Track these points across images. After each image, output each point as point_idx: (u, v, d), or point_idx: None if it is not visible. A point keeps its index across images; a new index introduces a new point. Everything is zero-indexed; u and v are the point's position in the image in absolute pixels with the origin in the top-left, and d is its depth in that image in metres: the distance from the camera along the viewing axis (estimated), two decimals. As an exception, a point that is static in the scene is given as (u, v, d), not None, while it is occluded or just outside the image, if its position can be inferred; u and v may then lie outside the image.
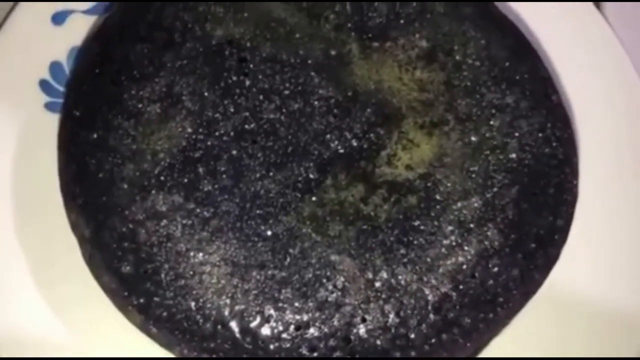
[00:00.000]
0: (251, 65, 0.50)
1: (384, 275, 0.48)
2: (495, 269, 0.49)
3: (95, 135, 0.49)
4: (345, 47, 0.51)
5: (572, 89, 0.54)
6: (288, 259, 0.48)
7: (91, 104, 0.49)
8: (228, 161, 0.49)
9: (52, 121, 0.54)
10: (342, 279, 0.48)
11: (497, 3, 0.53)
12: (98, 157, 0.49)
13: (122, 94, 0.50)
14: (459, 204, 0.49)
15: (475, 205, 0.49)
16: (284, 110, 0.50)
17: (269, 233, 0.48)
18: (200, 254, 0.47)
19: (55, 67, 0.55)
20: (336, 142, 0.50)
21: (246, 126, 0.50)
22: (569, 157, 0.51)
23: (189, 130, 0.49)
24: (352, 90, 0.51)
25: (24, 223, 0.52)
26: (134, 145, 0.49)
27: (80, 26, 0.55)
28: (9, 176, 0.53)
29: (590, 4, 0.55)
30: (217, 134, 0.49)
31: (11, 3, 0.55)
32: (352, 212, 0.49)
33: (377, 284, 0.48)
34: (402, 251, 0.49)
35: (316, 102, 0.50)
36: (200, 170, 0.49)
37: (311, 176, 0.49)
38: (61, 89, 0.54)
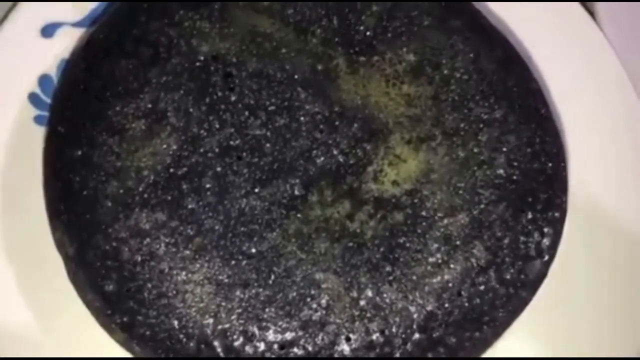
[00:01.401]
0: (237, 81, 0.49)
1: (369, 293, 0.47)
2: (482, 287, 0.47)
3: (79, 152, 0.48)
4: (332, 61, 0.50)
5: (563, 101, 0.52)
6: (272, 277, 0.47)
7: (76, 120, 0.49)
8: (213, 178, 0.48)
9: (41, 135, 0.52)
10: (326, 297, 0.47)
11: (485, 14, 0.51)
12: (82, 174, 0.48)
13: (107, 110, 0.49)
14: (446, 221, 0.48)
15: (462, 222, 0.48)
16: (269, 126, 0.49)
17: (253, 251, 0.48)
18: (184, 273, 0.47)
19: (44, 80, 0.54)
20: (322, 158, 0.49)
21: (231, 142, 0.49)
22: (558, 172, 0.49)
23: (174, 147, 0.48)
24: (338, 106, 0.50)
25: (11, 237, 0.51)
26: (118, 163, 0.48)
27: (69, 39, 0.54)
28: (-3, 189, 0.52)
29: (583, 12, 0.53)
30: (201, 150, 0.48)
31: (1, 14, 0.53)
32: (338, 229, 0.48)
33: (362, 303, 0.47)
34: (388, 269, 0.48)
35: (302, 118, 0.49)
36: (185, 187, 0.48)
37: (296, 193, 0.48)
38: (50, 102, 0.53)
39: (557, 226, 0.49)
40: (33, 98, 0.54)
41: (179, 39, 0.50)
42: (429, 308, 0.48)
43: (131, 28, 0.50)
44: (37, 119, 0.54)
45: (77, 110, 0.50)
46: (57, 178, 0.49)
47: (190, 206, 0.48)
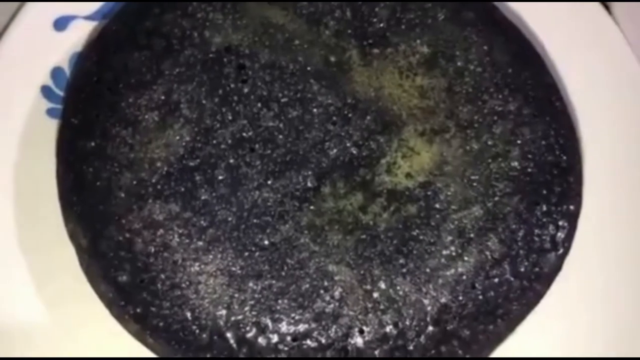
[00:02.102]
0: (250, 72, 0.49)
1: (383, 285, 0.47)
2: (496, 280, 0.47)
3: (92, 144, 0.48)
4: (346, 53, 0.49)
5: (578, 95, 0.52)
6: (285, 269, 0.47)
7: (89, 112, 0.49)
8: (226, 170, 0.48)
9: (54, 127, 0.52)
10: (339, 289, 0.47)
11: (499, 6, 0.51)
12: (95, 165, 0.48)
13: (120, 102, 0.48)
14: (460, 213, 0.48)
15: (476, 214, 0.48)
16: (282, 118, 0.48)
17: (266, 242, 0.47)
18: (197, 264, 0.46)
19: (57, 73, 0.54)
20: (335, 150, 0.48)
21: (244, 134, 0.48)
22: (573, 165, 0.49)
23: (187, 138, 0.48)
24: (351, 98, 0.49)
25: (25, 229, 0.51)
26: (131, 154, 0.48)
27: (82, 32, 0.54)
28: (11, 183, 0.52)
29: (597, 5, 0.52)
30: (214, 142, 0.48)
31: (14, 8, 0.53)
32: (351, 222, 0.48)
33: (375, 295, 0.47)
34: (401, 261, 0.47)
35: (315, 110, 0.49)
36: (198, 178, 0.47)
37: (309, 185, 0.48)
38: (63, 95, 0.52)
39: (572, 219, 0.49)
40: (46, 91, 0.54)
41: (192, 31, 0.50)
42: (443, 300, 0.47)
43: (144, 20, 0.50)
44: (50, 112, 0.54)
45: (90, 103, 0.49)
46: (70, 170, 0.48)
47: (203, 197, 0.48)
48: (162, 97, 0.49)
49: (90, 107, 0.49)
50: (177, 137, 0.49)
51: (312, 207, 0.48)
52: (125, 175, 0.48)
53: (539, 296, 0.48)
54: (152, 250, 0.47)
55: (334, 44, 0.50)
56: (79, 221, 0.48)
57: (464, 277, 0.48)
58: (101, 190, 0.48)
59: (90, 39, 0.53)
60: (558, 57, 0.53)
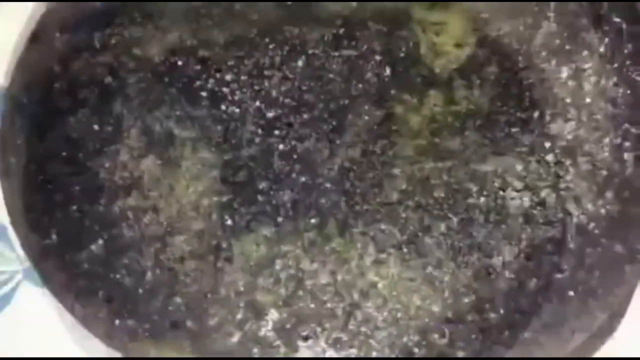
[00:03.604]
0: (217, 59, 0.36)
1: (546, 144, 0.34)
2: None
3: (100, 243, 0.30)
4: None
5: None
6: (444, 203, 0.32)
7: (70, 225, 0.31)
8: (283, 159, 0.33)
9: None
10: (516, 180, 0.33)
11: None
12: (124, 263, 0.30)
13: (96, 177, 0.32)
14: (538, 38, 0.38)
15: (551, 30, 0.38)
16: (291, 76, 0.36)
17: (397, 195, 0.33)
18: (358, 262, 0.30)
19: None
20: (370, 70, 0.38)
21: (268, 114, 0.34)
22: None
23: (210, 156, 0.33)
24: (338, 19, 0.38)
25: None
26: (161, 216, 0.31)
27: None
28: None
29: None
30: (244, 141, 0.34)
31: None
32: (452, 119, 0.36)
33: (550, 157, 0.34)
34: (536, 113, 0.35)
35: (317, 50, 0.37)
36: (264, 185, 0.32)
37: (378, 114, 0.35)
38: None
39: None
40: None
41: (117, 59, 0.36)
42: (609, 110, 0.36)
43: (50, 85, 0.35)
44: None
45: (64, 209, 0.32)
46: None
47: (286, 198, 0.33)
48: (144, 138, 0.34)
49: (62, 209, 0.32)
50: (200, 163, 0.34)
51: (403, 133, 0.36)
52: (177, 243, 0.31)
53: None
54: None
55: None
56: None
57: (601, 82, 0.37)
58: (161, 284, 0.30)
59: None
60: None
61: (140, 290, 0.31)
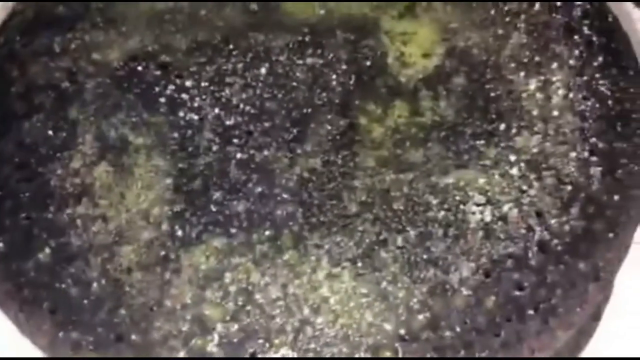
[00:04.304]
0: (177, 64, 0.35)
1: (511, 157, 0.33)
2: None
3: (46, 252, 0.29)
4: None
5: None
6: (403, 216, 0.31)
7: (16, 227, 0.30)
8: (239, 167, 0.33)
9: None
10: (478, 194, 0.32)
11: None
12: (73, 273, 0.29)
13: (47, 183, 0.31)
14: (507, 50, 0.37)
15: (518, 41, 0.37)
16: (254, 84, 0.35)
17: (355, 208, 0.31)
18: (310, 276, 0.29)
19: None
20: (335, 79, 0.36)
21: (227, 122, 0.34)
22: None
23: (164, 164, 0.32)
24: (305, 26, 0.37)
25: None
26: (110, 225, 0.30)
27: None
28: None
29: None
30: (201, 149, 0.32)
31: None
32: (417, 130, 0.35)
33: (514, 171, 0.33)
34: (502, 125, 0.34)
35: (281, 57, 0.36)
36: (218, 195, 0.31)
37: (342, 124, 0.35)
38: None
39: None
40: None
41: (76, 64, 0.35)
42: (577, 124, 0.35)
43: (7, 88, 0.34)
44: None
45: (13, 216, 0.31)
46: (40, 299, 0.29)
47: (241, 208, 0.31)
48: (97, 144, 0.33)
49: (11, 216, 0.31)
50: (152, 172, 0.32)
51: (366, 144, 0.35)
52: (124, 253, 0.30)
53: None
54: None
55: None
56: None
57: (570, 95, 0.36)
58: (106, 295, 0.29)
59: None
60: None
61: (86, 302, 0.30)
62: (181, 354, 0.29)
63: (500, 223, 0.32)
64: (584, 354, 0.37)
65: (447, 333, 0.30)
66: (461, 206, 0.33)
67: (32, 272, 0.31)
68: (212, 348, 0.29)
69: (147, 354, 0.29)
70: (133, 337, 0.29)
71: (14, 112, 0.34)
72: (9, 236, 0.31)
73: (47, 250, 0.31)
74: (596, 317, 0.37)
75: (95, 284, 0.30)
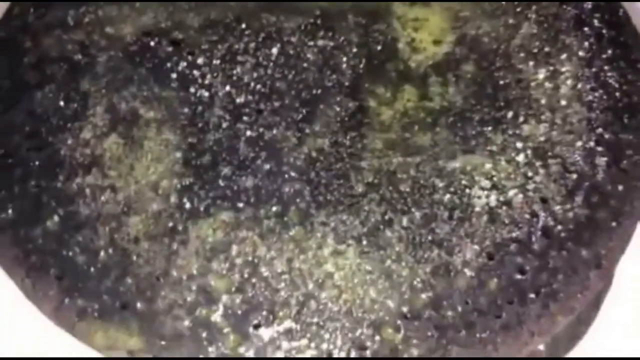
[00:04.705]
0: (190, 42, 0.35)
1: (518, 144, 0.34)
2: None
3: (55, 220, 0.29)
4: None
5: None
6: (409, 197, 0.31)
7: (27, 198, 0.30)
8: (249, 145, 0.33)
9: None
10: (486, 181, 0.33)
11: None
12: (80, 241, 0.29)
13: (58, 153, 0.31)
14: (516, 40, 0.37)
15: (529, 30, 0.37)
16: (265, 63, 0.35)
17: (361, 189, 0.33)
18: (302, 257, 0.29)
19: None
20: (346, 61, 0.36)
21: (237, 100, 0.34)
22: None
23: (174, 138, 0.32)
24: (317, 9, 0.37)
25: None
26: (119, 195, 0.30)
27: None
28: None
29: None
30: (211, 125, 0.33)
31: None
32: (425, 115, 0.35)
33: (520, 157, 0.33)
34: (509, 112, 0.34)
35: (292, 38, 0.36)
36: (227, 170, 0.31)
37: (350, 106, 0.35)
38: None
39: None
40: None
41: (89, 37, 0.35)
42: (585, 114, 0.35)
43: (20, 59, 0.34)
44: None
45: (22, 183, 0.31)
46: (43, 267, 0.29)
47: (249, 184, 0.31)
48: (108, 116, 0.33)
49: (20, 184, 0.31)
50: (162, 145, 0.33)
51: (374, 126, 0.35)
52: (132, 223, 0.30)
53: None
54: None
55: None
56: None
57: (578, 85, 0.36)
58: (113, 264, 0.29)
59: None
60: None
61: (92, 270, 0.30)
62: (185, 323, 0.29)
63: (505, 208, 0.32)
64: (582, 342, 0.37)
65: (449, 312, 0.30)
66: (467, 190, 0.33)
67: (40, 239, 0.31)
68: (216, 318, 0.29)
69: (152, 322, 0.29)
70: (138, 305, 0.29)
71: (26, 82, 0.34)
72: (18, 203, 0.31)
73: (56, 218, 0.31)
74: (596, 305, 0.38)
75: (102, 253, 0.30)
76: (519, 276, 0.31)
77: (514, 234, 0.32)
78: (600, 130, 0.35)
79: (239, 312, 0.29)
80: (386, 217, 0.32)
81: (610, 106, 0.36)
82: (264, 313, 0.29)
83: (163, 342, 0.29)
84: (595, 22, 0.39)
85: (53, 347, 0.34)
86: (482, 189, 0.33)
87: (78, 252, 0.30)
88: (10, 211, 0.31)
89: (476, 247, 0.31)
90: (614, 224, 0.34)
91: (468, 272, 0.31)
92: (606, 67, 0.37)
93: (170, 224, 0.31)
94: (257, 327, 0.29)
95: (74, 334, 0.29)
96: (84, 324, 0.29)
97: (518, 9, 0.39)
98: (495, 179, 0.33)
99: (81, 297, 0.30)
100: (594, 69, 0.37)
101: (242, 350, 0.29)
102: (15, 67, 0.35)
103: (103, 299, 0.30)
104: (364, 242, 0.31)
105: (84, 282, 0.30)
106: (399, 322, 0.30)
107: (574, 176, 0.34)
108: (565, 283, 0.32)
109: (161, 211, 0.31)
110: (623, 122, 0.36)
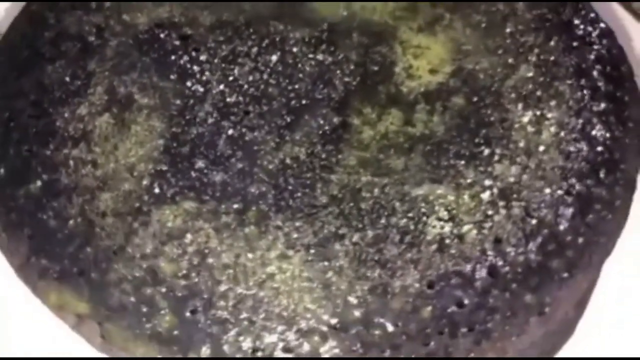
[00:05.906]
0: (198, 38, 0.37)
1: (486, 181, 0.34)
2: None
3: (38, 184, 0.32)
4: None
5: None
6: (366, 216, 0.32)
7: (16, 154, 0.33)
8: (228, 143, 0.34)
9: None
10: (442, 207, 0.33)
11: None
12: (55, 206, 0.31)
13: (54, 123, 0.33)
14: (510, 80, 0.38)
15: (526, 73, 0.37)
16: (262, 68, 0.36)
17: (325, 200, 0.33)
18: (259, 252, 0.30)
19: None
20: (340, 77, 0.37)
21: (228, 99, 0.35)
22: None
23: (160, 126, 0.34)
24: (324, 23, 0.38)
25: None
26: (98, 171, 0.32)
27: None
28: None
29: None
30: (197, 119, 0.35)
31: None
32: (403, 139, 0.36)
33: (486, 194, 0.33)
34: (486, 150, 0.35)
35: (294, 48, 0.38)
36: (201, 163, 0.33)
37: (335, 121, 0.36)
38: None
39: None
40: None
41: (106, 21, 0.38)
42: (560, 163, 0.35)
43: (41, 33, 0.37)
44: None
45: (14, 142, 0.34)
46: (21, 227, 0.31)
47: (218, 179, 0.33)
48: (106, 97, 0.35)
49: (15, 146, 0.34)
50: (147, 131, 0.35)
51: (353, 143, 0.36)
52: (103, 198, 0.32)
53: None
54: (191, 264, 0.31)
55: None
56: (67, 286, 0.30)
57: (561, 134, 0.36)
58: (78, 233, 0.31)
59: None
60: None
61: (60, 235, 0.32)
62: (131, 299, 0.31)
63: (456, 241, 0.33)
64: (569, 342, 0.37)
65: (377, 331, 0.31)
66: (424, 218, 0.34)
67: (21, 199, 0.33)
68: (158, 298, 0.31)
69: (101, 292, 0.31)
70: (93, 274, 0.32)
71: (42, 54, 0.37)
72: (10, 164, 0.34)
73: (39, 182, 0.34)
74: (582, 305, 0.37)
75: (71, 221, 0.33)
76: (455, 309, 0.32)
77: (458, 267, 0.33)
78: (573, 180, 0.36)
79: (180, 295, 0.31)
80: (339, 232, 0.33)
81: (589, 159, 0.36)
82: (203, 301, 0.31)
83: (107, 312, 0.31)
84: (595, 74, 0.39)
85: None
86: (439, 219, 0.34)
87: (51, 217, 0.33)
88: (2, 170, 0.34)
89: (418, 274, 0.32)
90: (565, 274, 0.34)
91: (404, 297, 0.32)
92: (594, 120, 0.37)
93: (137, 205, 0.33)
94: (193, 312, 0.31)
95: (35, 291, 0.32)
96: (44, 283, 0.32)
97: (520, 50, 0.39)
98: (454, 211, 0.34)
99: (45, 258, 0.32)
100: (581, 120, 0.37)
101: (176, 332, 0.31)
102: (36, 39, 0.37)
103: (64, 263, 0.32)
104: (312, 251, 0.32)
105: (51, 245, 0.32)
106: (327, 331, 0.31)
107: (534, 221, 0.34)
108: (501, 324, 0.32)
109: (131, 191, 0.33)
110: (599, 176, 0.36)
